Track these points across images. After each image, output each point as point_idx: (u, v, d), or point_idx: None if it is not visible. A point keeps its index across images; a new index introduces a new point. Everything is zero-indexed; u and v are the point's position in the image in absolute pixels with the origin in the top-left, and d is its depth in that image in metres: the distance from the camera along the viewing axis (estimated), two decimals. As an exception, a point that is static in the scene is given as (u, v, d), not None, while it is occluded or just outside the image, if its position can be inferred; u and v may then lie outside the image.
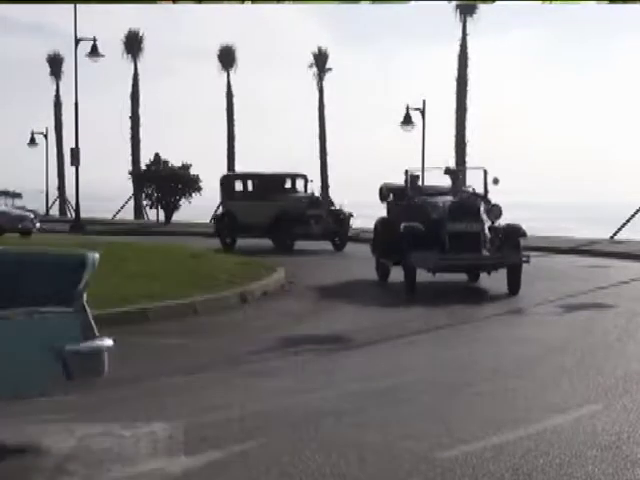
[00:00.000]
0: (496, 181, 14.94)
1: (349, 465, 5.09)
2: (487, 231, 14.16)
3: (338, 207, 24.39)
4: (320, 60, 49.55)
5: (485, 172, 15.48)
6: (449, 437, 5.63)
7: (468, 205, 14.37)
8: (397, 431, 5.81)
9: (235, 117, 49.63)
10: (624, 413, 6.32)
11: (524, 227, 14.61)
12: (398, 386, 7.32)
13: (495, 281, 14.26)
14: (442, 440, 5.56)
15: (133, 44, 50.87)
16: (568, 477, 4.89)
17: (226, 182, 25.74)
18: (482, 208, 14.29)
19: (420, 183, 17.08)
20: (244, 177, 26.00)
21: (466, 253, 13.78)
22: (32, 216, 30.93)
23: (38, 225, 30.34)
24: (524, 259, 13.72)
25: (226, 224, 24.69)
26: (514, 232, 14.19)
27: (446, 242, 13.85)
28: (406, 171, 16.27)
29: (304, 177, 25.19)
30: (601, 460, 5.16)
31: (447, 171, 16.31)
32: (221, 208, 26.00)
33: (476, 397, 6.96)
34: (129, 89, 50.99)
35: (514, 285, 13.59)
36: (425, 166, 17.27)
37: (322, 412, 6.32)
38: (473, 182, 16.55)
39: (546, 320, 11.37)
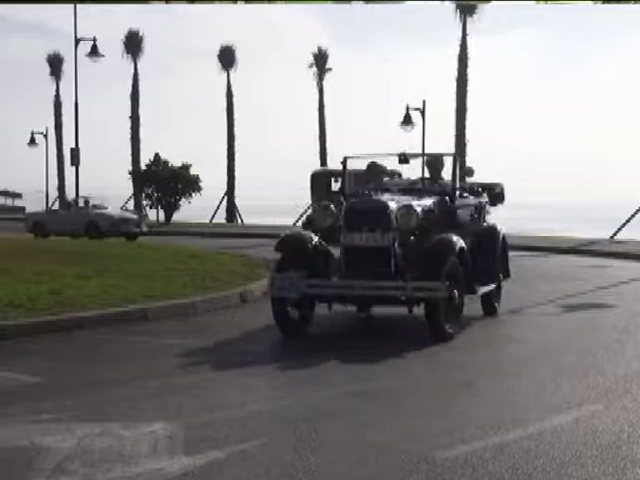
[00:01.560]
0: (470, 172, 12.04)
1: (349, 465, 5.09)
2: (411, 246, 9.81)
3: None
4: (320, 60, 49.60)
5: (455, 159, 11.33)
6: (449, 437, 5.63)
7: (371, 207, 9.85)
8: (397, 431, 5.82)
9: (235, 117, 49.74)
10: (624, 413, 6.32)
11: (504, 230, 11.69)
12: (398, 386, 7.32)
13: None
14: (442, 440, 5.56)
15: (133, 44, 50.91)
16: (568, 477, 4.89)
17: (315, 180, 22.80)
18: (396, 211, 9.77)
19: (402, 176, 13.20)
20: (333, 174, 22.81)
21: (364, 278, 9.49)
22: (136, 217, 28.78)
23: (145, 228, 28.33)
24: (446, 293, 9.39)
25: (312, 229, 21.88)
26: (437, 250, 9.65)
27: (341, 260, 9.86)
28: (344, 159, 11.59)
29: (399, 175, 21.72)
30: (601, 460, 5.16)
31: (402, 159, 11.49)
32: (310, 210, 22.88)
33: (476, 397, 6.96)
34: (129, 89, 51.07)
35: (434, 330, 9.46)
36: (367, 153, 11.63)
37: (322, 412, 6.32)
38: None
39: (546, 320, 11.37)
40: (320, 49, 50.05)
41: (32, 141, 52.47)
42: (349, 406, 6.52)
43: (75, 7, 33.03)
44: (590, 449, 5.37)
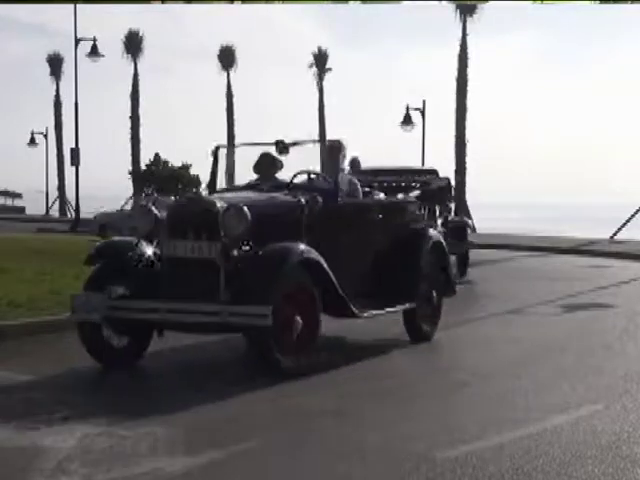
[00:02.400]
0: (355, 163, 10.37)
1: (349, 465, 5.08)
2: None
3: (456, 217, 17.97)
4: (320, 60, 49.70)
5: (339, 147, 9.16)
6: (449, 437, 5.63)
7: (194, 209, 7.73)
8: (397, 431, 5.81)
9: (235, 117, 49.82)
10: (624, 413, 6.32)
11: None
12: (398, 386, 7.32)
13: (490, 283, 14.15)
14: (442, 440, 5.56)
15: (133, 44, 51.01)
16: (568, 477, 4.89)
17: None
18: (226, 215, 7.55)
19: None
20: (371, 173, 20.78)
21: (185, 299, 7.43)
22: None
23: None
24: (270, 320, 7.08)
25: None
26: (265, 265, 7.48)
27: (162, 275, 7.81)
28: (215, 149, 9.58)
29: (435, 173, 17.74)
30: (601, 460, 5.16)
31: (280, 148, 9.23)
32: None
33: (476, 397, 6.96)
34: (129, 89, 51.18)
35: (265, 362, 7.55)
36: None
37: (322, 412, 6.32)
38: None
39: (546, 320, 11.37)
40: (320, 49, 50.22)
41: (32, 141, 52.48)
42: (349, 406, 6.52)
43: (75, 7, 33.05)
44: (590, 449, 5.37)
